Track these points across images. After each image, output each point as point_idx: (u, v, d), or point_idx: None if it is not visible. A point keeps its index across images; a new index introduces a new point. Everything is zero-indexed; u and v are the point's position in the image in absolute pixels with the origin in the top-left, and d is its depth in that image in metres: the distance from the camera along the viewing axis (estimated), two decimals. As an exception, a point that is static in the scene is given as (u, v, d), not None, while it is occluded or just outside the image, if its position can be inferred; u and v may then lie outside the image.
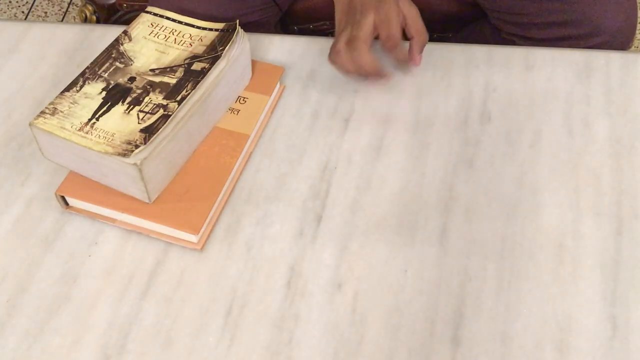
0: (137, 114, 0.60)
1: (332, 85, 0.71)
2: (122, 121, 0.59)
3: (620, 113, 0.68)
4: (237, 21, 0.68)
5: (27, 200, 0.64)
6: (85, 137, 0.58)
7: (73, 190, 0.61)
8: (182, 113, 0.60)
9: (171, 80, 0.63)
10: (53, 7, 1.81)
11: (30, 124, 0.59)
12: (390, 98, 0.70)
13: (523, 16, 0.83)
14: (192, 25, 0.69)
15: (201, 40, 0.67)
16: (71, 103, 0.61)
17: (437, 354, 0.53)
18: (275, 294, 0.57)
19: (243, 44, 0.67)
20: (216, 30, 0.68)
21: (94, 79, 0.63)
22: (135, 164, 0.56)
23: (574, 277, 0.57)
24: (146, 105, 0.61)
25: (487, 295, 0.56)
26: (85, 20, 1.06)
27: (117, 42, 0.67)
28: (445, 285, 0.57)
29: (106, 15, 1.06)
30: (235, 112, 0.68)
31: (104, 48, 0.67)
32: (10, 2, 1.83)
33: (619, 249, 0.58)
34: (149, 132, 0.58)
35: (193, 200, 0.61)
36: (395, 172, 0.64)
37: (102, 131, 0.58)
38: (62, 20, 1.77)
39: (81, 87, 0.62)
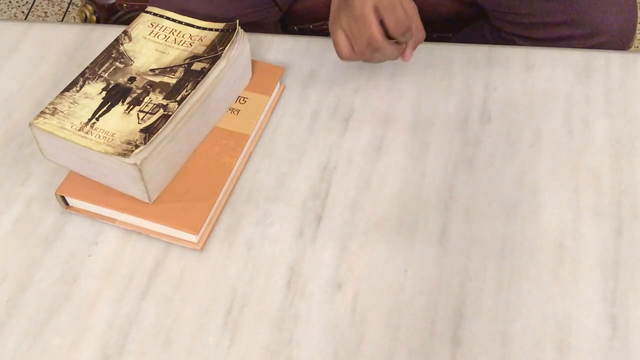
0: (137, 114, 0.60)
1: (332, 85, 0.71)
2: (122, 121, 0.59)
3: (620, 113, 0.68)
4: (237, 21, 0.68)
5: (27, 200, 0.64)
6: (85, 137, 0.58)
7: (73, 190, 0.61)
8: (182, 113, 0.60)
9: (171, 80, 0.63)
10: (53, 7, 1.81)
11: (30, 124, 0.59)
12: (390, 98, 0.70)
13: (523, 16, 0.83)
14: (192, 25, 0.69)
15: (201, 40, 0.67)
16: (71, 103, 0.61)
17: (437, 354, 0.53)
18: (275, 294, 0.57)
19: (243, 44, 0.67)
20: (216, 30, 0.68)
21: (94, 79, 0.63)
22: (135, 164, 0.56)
23: (574, 277, 0.57)
24: (146, 105, 0.61)
25: (487, 295, 0.56)
26: (85, 20, 1.06)
27: (117, 42, 0.67)
28: (445, 285, 0.57)
29: (106, 15, 1.06)
30: (235, 112, 0.68)
31: (104, 48, 0.67)
32: (10, 2, 1.83)
33: (619, 249, 0.58)
34: (149, 132, 0.58)
35: (193, 200, 0.61)
36: (395, 172, 0.64)
37: (102, 131, 0.58)
38: (62, 20, 1.77)
39: (81, 87, 0.62)
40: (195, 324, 0.55)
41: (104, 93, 0.62)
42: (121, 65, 0.65)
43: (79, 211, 0.62)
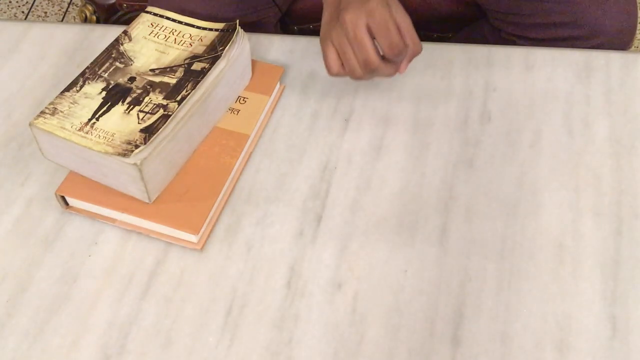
0: (137, 114, 0.60)
1: (332, 85, 0.71)
2: (122, 121, 0.59)
3: (620, 113, 0.68)
4: (237, 21, 0.68)
5: (27, 200, 0.64)
6: (85, 137, 0.58)
7: (73, 190, 0.61)
8: (182, 113, 0.60)
9: (171, 80, 0.63)
10: (53, 7, 1.81)
11: (30, 124, 0.59)
12: (390, 98, 0.70)
13: (523, 16, 0.83)
14: (192, 25, 0.69)
15: (201, 40, 0.67)
16: (71, 103, 0.61)
17: (437, 354, 0.53)
18: (275, 294, 0.57)
19: (243, 44, 0.67)
20: (216, 30, 0.68)
21: (94, 79, 0.63)
22: (135, 164, 0.56)
23: (574, 277, 0.57)
24: (146, 105, 0.61)
25: (487, 295, 0.56)
26: (85, 20, 1.06)
27: (117, 42, 0.67)
28: (445, 285, 0.57)
29: (106, 15, 1.06)
30: (235, 112, 0.68)
31: (104, 48, 0.67)
32: (10, 2, 1.83)
33: (619, 249, 0.58)
34: (149, 132, 0.58)
35: (193, 200, 0.61)
36: (395, 172, 0.64)
37: (102, 131, 0.58)
38: (62, 20, 1.77)
39: (81, 87, 0.62)
40: (195, 324, 0.55)
41: (104, 93, 0.62)
42: (121, 65, 0.65)
43: (79, 211, 0.62)
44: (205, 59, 0.65)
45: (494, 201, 0.62)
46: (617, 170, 0.63)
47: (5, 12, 1.80)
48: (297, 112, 0.70)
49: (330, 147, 0.66)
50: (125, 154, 0.56)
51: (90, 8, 1.06)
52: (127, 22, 0.73)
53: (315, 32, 0.97)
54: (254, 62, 0.71)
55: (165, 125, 0.59)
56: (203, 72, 0.63)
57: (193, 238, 0.59)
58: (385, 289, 0.57)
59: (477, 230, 0.60)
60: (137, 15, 0.70)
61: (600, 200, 0.61)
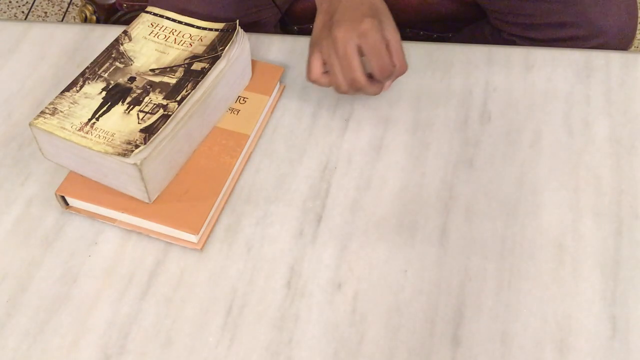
0: (137, 114, 0.60)
1: (332, 85, 0.71)
2: (122, 121, 0.59)
3: (620, 113, 0.68)
4: (237, 21, 0.68)
5: (27, 200, 0.64)
6: (85, 137, 0.58)
7: (73, 190, 0.61)
8: (182, 113, 0.60)
9: (171, 80, 0.63)
10: (53, 7, 1.81)
11: (30, 124, 0.59)
12: (390, 98, 0.70)
13: (523, 17, 0.83)
14: (192, 25, 0.69)
15: (201, 40, 0.67)
16: (71, 103, 0.61)
17: (437, 354, 0.53)
18: (275, 294, 0.57)
19: (243, 44, 0.67)
20: (216, 30, 0.68)
21: (94, 79, 0.63)
22: (135, 164, 0.56)
23: (574, 277, 0.57)
24: (146, 105, 0.61)
25: (487, 295, 0.56)
26: (85, 20, 1.06)
27: (117, 42, 0.67)
28: (445, 285, 0.57)
29: (106, 15, 1.06)
30: (235, 112, 0.68)
31: (104, 48, 0.67)
32: (10, 2, 1.83)
33: (619, 249, 0.58)
34: (149, 132, 0.58)
35: (193, 200, 0.61)
36: (395, 172, 0.64)
37: (102, 131, 0.58)
38: (62, 20, 1.77)
39: (81, 87, 0.62)
40: (195, 324, 0.55)
41: (104, 93, 0.62)
42: (121, 65, 0.65)
43: (79, 211, 0.62)
44: (205, 59, 0.65)
45: (494, 201, 0.62)
46: (617, 170, 0.63)
47: (5, 12, 1.80)
48: (297, 112, 0.70)
49: (330, 147, 0.66)
50: (125, 154, 0.56)
51: (90, 8, 1.06)
52: (127, 22, 0.73)
53: (315, 32, 0.97)
54: (254, 62, 0.71)
55: (165, 125, 0.59)
56: (203, 72, 0.63)
57: (193, 238, 0.59)
58: (385, 289, 0.57)
59: (477, 230, 0.60)
60: (137, 15, 0.70)
61: (600, 200, 0.61)
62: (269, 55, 0.75)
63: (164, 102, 0.61)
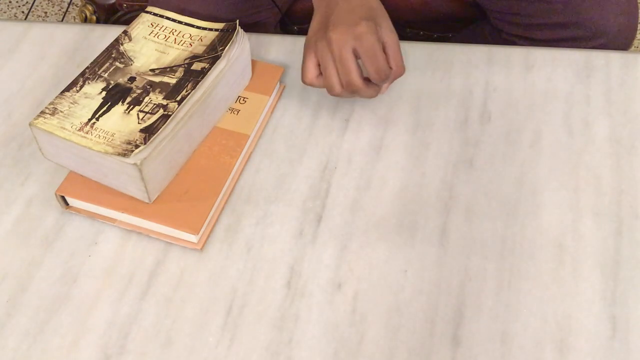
0: (137, 114, 0.60)
1: (332, 85, 0.71)
2: (122, 121, 0.59)
3: (620, 113, 0.68)
4: (237, 21, 0.68)
5: (27, 200, 0.64)
6: (85, 137, 0.58)
7: (73, 190, 0.61)
8: (182, 113, 0.60)
9: (171, 80, 0.63)
10: (53, 7, 1.81)
11: (30, 124, 0.59)
12: (390, 98, 0.70)
13: (523, 17, 0.83)
14: (192, 25, 0.69)
15: (201, 40, 0.67)
16: (71, 103, 0.61)
17: (437, 354, 0.53)
18: (275, 294, 0.57)
19: (243, 44, 0.67)
20: (216, 30, 0.68)
21: (94, 79, 0.63)
22: (135, 164, 0.56)
23: (574, 277, 0.57)
24: (146, 105, 0.61)
25: (487, 295, 0.56)
26: (85, 20, 1.06)
27: (117, 42, 0.67)
28: (445, 285, 0.57)
29: (106, 15, 1.06)
30: (235, 112, 0.68)
31: (104, 48, 0.67)
32: (10, 2, 1.83)
33: (619, 249, 0.58)
34: (149, 132, 0.58)
35: (193, 200, 0.61)
36: (395, 172, 0.64)
37: (102, 131, 0.58)
38: (62, 20, 1.77)
39: (81, 87, 0.62)
40: (195, 324, 0.55)
41: (104, 93, 0.62)
42: (121, 65, 0.65)
43: (79, 211, 0.62)
44: (205, 59, 0.65)
45: (494, 201, 0.62)
46: (617, 170, 0.63)
47: (5, 12, 1.80)
48: (297, 112, 0.70)
49: (330, 147, 0.66)
50: (125, 154, 0.56)
51: (90, 8, 1.06)
52: (127, 22, 0.73)
53: (315, 32, 0.97)
54: (254, 62, 0.71)
55: (165, 125, 0.59)
56: (203, 72, 0.63)
57: (193, 238, 0.59)
58: (385, 289, 0.57)
59: (477, 230, 0.60)
60: (137, 15, 0.70)
61: (600, 200, 0.61)
62: (269, 55, 0.75)
63: (164, 102, 0.61)
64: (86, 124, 0.59)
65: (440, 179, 0.64)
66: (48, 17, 1.79)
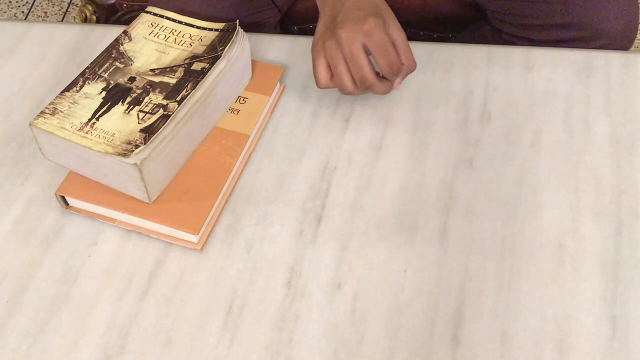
0: (137, 114, 0.60)
1: (332, 85, 0.71)
2: (122, 121, 0.59)
3: (620, 113, 0.68)
4: (237, 21, 0.68)
5: (27, 200, 0.64)
6: (85, 137, 0.58)
7: (73, 190, 0.61)
8: (182, 113, 0.60)
9: (171, 80, 0.63)
10: (53, 7, 1.81)
11: (30, 124, 0.59)
12: (390, 98, 0.70)
13: (523, 18, 0.83)
14: (192, 25, 0.69)
15: (201, 40, 0.67)
16: (71, 103, 0.61)
17: (437, 354, 0.53)
18: (275, 294, 0.57)
19: (243, 44, 0.67)
20: (216, 30, 0.68)
21: (94, 79, 0.63)
22: (135, 164, 0.56)
23: (574, 277, 0.57)
24: (146, 105, 0.61)
25: (487, 295, 0.56)
26: (85, 20, 1.06)
27: (117, 42, 0.67)
28: (445, 285, 0.57)
29: (106, 15, 1.06)
30: (235, 112, 0.68)
31: (104, 48, 0.67)
32: (10, 2, 1.83)
33: (619, 249, 0.58)
34: (149, 132, 0.58)
35: (193, 200, 0.61)
36: (395, 172, 0.64)
37: (102, 131, 0.58)
38: (62, 20, 1.77)
39: (81, 87, 0.62)
40: (195, 324, 0.55)
41: (104, 93, 0.62)
42: (121, 65, 0.65)
43: (79, 211, 0.62)
44: (205, 59, 0.65)
45: (494, 201, 0.62)
46: (617, 170, 0.63)
47: (5, 12, 1.80)
48: (297, 112, 0.70)
49: (330, 147, 0.66)
50: (125, 154, 0.56)
51: (90, 8, 1.06)
52: (127, 22, 0.73)
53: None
54: (254, 62, 0.71)
55: (165, 125, 0.59)
56: (203, 72, 0.63)
57: (193, 238, 0.59)
58: (385, 289, 0.57)
59: (477, 230, 0.60)
60: (137, 15, 0.70)
61: (600, 200, 0.61)
62: (269, 55, 0.75)
63: (164, 102, 0.61)
64: (86, 124, 0.59)
65: (440, 179, 0.64)
66: (48, 17, 1.79)
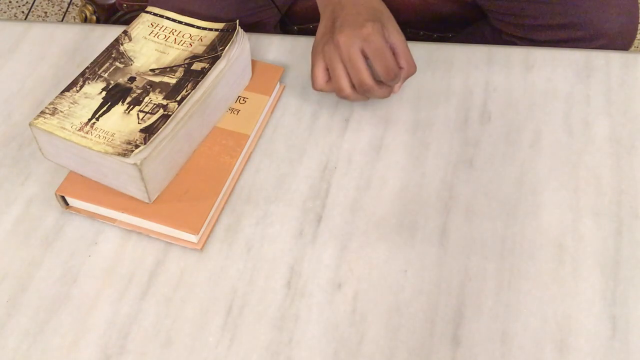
0: (137, 114, 0.60)
1: (332, 85, 0.71)
2: (122, 121, 0.59)
3: (620, 113, 0.68)
4: (237, 21, 0.68)
5: (27, 200, 0.64)
6: (85, 137, 0.58)
7: (73, 190, 0.61)
8: (182, 113, 0.60)
9: (171, 80, 0.63)
10: (53, 7, 1.81)
11: (30, 124, 0.59)
12: (390, 98, 0.70)
13: (524, 18, 0.83)
14: (192, 25, 0.69)
15: (201, 40, 0.67)
16: (71, 103, 0.61)
17: (437, 354, 0.53)
18: (275, 294, 0.57)
19: (243, 44, 0.67)
20: (216, 30, 0.68)
21: (94, 79, 0.63)
22: (135, 164, 0.56)
23: (574, 277, 0.57)
24: (146, 105, 0.61)
25: (487, 295, 0.56)
26: (85, 20, 1.06)
27: (117, 42, 0.67)
28: (445, 285, 0.57)
29: (106, 15, 1.06)
30: (235, 112, 0.68)
31: (104, 48, 0.67)
32: (10, 2, 1.83)
33: (619, 249, 0.58)
34: (149, 132, 0.58)
35: (193, 200, 0.61)
36: (395, 172, 0.64)
37: (102, 131, 0.58)
38: (62, 20, 1.77)
39: (81, 87, 0.62)
40: (195, 324, 0.55)
41: (104, 93, 0.62)
42: (121, 65, 0.65)
43: (79, 211, 0.62)
44: (205, 59, 0.65)
45: (494, 201, 0.62)
46: (617, 170, 0.63)
47: (5, 12, 1.80)
48: (297, 112, 0.70)
49: (330, 147, 0.66)
50: (125, 154, 0.56)
51: (90, 8, 1.06)
52: (127, 22, 0.73)
53: (315, 32, 0.97)
54: (254, 62, 0.71)
55: (165, 125, 0.59)
56: (203, 72, 0.63)
57: (193, 238, 0.59)
58: (385, 289, 0.57)
59: (477, 230, 0.60)
60: (137, 15, 0.70)
61: (600, 200, 0.61)
62: (269, 55, 0.75)
63: (164, 102, 0.61)
64: (86, 124, 0.59)
65: (440, 179, 0.64)
66: (48, 17, 1.79)
